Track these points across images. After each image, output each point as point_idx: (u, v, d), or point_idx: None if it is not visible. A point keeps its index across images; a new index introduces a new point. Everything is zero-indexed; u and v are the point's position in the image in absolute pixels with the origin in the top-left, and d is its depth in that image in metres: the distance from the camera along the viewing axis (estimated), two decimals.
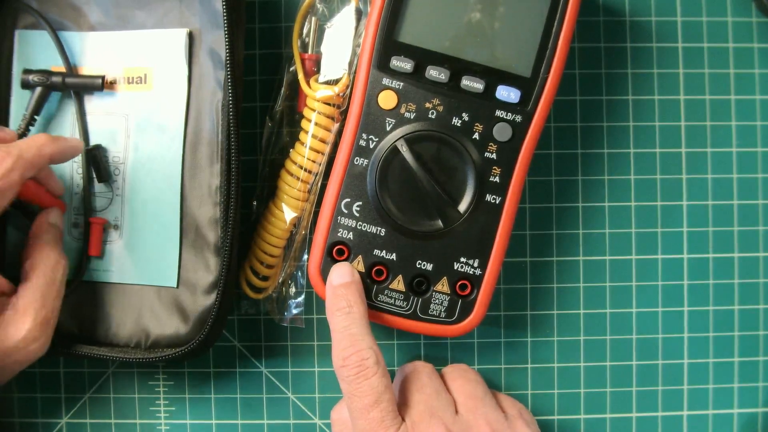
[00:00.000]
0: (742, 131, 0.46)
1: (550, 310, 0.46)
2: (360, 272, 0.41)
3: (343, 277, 0.40)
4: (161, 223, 0.43)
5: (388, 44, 0.40)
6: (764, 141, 0.46)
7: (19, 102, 0.44)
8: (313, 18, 0.43)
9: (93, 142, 0.44)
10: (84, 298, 0.44)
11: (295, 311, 0.45)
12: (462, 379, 0.42)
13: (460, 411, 0.39)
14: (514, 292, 0.46)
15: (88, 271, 0.44)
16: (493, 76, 0.40)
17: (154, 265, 0.43)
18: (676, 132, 0.46)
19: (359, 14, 0.42)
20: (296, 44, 0.43)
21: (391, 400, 0.37)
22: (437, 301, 0.41)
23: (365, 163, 0.40)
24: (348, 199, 0.41)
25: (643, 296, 0.46)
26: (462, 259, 0.41)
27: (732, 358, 0.46)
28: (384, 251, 0.41)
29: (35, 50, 0.44)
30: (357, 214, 0.41)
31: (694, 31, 0.46)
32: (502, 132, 0.40)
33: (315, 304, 0.46)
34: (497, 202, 0.41)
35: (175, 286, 0.43)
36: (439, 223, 0.40)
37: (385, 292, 0.41)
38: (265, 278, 0.44)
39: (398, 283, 0.41)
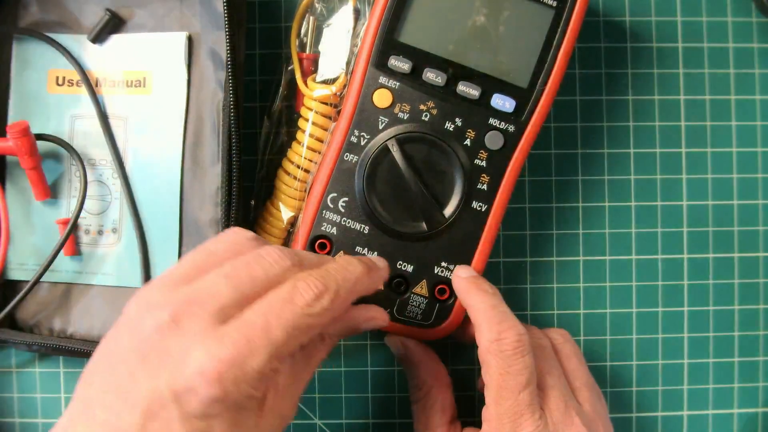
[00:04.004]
0: (742, 131, 0.46)
1: (550, 310, 0.46)
2: None
3: (472, 273, 0.40)
4: (160, 226, 0.44)
5: (388, 43, 0.40)
6: (764, 141, 0.46)
7: (18, 105, 0.44)
8: (311, 18, 0.43)
9: (92, 144, 0.44)
10: (83, 300, 0.44)
11: None
12: (576, 358, 0.41)
13: (579, 400, 0.39)
14: (514, 292, 0.46)
15: (86, 274, 0.44)
16: (490, 84, 0.40)
17: (153, 269, 0.43)
18: (676, 132, 0.46)
19: (357, 14, 0.42)
20: (294, 44, 0.43)
21: (535, 383, 0.37)
22: (414, 303, 0.41)
23: (355, 159, 0.40)
24: (334, 194, 0.41)
25: (643, 296, 0.46)
26: (443, 264, 0.41)
27: (732, 358, 0.46)
28: (366, 249, 0.41)
29: (34, 54, 0.44)
30: (342, 210, 0.41)
31: (694, 31, 0.46)
32: (494, 140, 0.40)
33: None
34: (483, 210, 0.40)
35: None
36: (424, 225, 0.40)
37: None
38: None
39: None
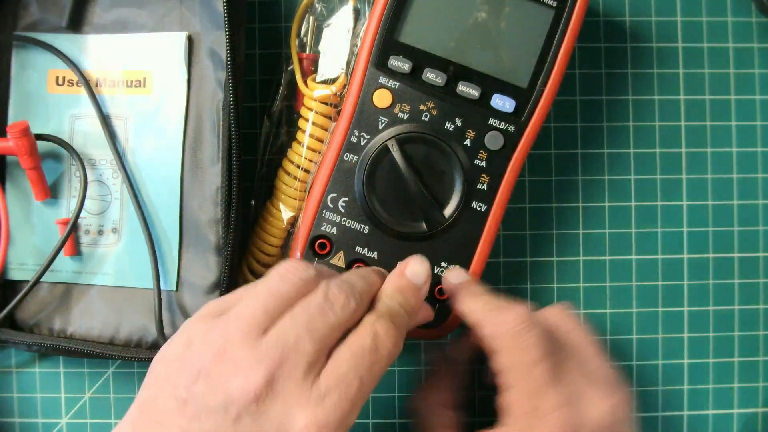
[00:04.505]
0: (742, 131, 0.46)
1: None
2: (341, 268, 0.41)
3: (461, 278, 0.39)
4: (160, 226, 0.43)
5: (388, 43, 0.40)
6: (764, 141, 0.46)
7: (18, 105, 0.44)
8: (311, 17, 0.43)
9: (92, 144, 0.44)
10: (83, 300, 0.44)
11: None
12: (591, 347, 0.39)
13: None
14: (514, 293, 0.46)
15: (86, 274, 0.44)
16: (490, 84, 0.40)
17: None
18: (676, 132, 0.46)
19: (357, 14, 0.42)
20: (294, 44, 0.43)
21: (550, 356, 0.36)
22: None
23: (355, 159, 0.40)
24: (334, 194, 0.41)
25: (643, 296, 0.46)
26: (443, 264, 0.41)
27: (732, 358, 0.46)
28: (366, 249, 0.41)
29: (34, 54, 0.44)
30: (342, 210, 0.41)
31: (694, 31, 0.46)
32: (493, 140, 0.40)
33: None
34: (483, 210, 0.40)
35: (175, 289, 0.43)
36: (423, 225, 0.40)
37: None
38: None
39: None
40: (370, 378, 0.32)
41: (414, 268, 0.37)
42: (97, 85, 0.44)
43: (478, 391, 0.46)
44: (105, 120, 0.43)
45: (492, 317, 0.37)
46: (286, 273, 0.34)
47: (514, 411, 0.35)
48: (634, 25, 0.46)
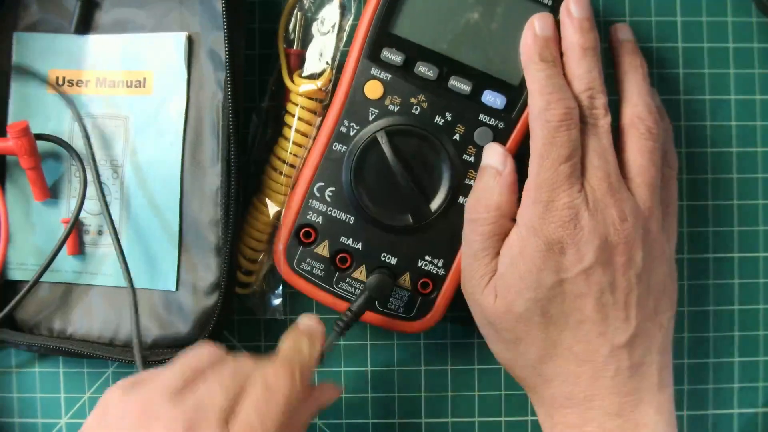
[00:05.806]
0: (742, 131, 0.46)
1: None
2: (324, 257, 0.41)
3: (544, 28, 0.39)
4: (160, 226, 0.43)
5: (382, 35, 0.40)
6: (764, 141, 0.46)
7: (18, 105, 0.44)
8: (299, 13, 0.43)
9: (91, 144, 0.44)
10: (83, 300, 0.44)
11: (275, 302, 0.45)
12: (648, 154, 0.38)
13: (631, 178, 0.38)
14: None
15: (86, 274, 0.44)
16: (481, 80, 0.40)
17: (153, 270, 0.43)
18: (677, 132, 0.46)
19: (343, 9, 0.43)
20: (281, 40, 0.43)
21: (579, 161, 0.37)
22: (397, 295, 0.41)
23: (343, 149, 0.40)
24: (321, 183, 0.41)
25: None
26: (427, 258, 0.41)
27: (732, 358, 0.46)
28: (350, 239, 0.41)
29: (33, 53, 0.44)
30: (328, 199, 0.41)
31: (694, 31, 0.46)
32: (483, 136, 0.40)
33: (316, 304, 0.46)
34: None
35: (174, 289, 0.43)
36: (409, 218, 0.40)
37: (347, 280, 0.41)
38: (249, 273, 0.44)
39: (360, 273, 0.41)
40: (271, 416, 0.33)
41: (304, 322, 0.39)
42: (97, 85, 0.44)
43: (479, 392, 0.46)
44: (82, 122, 0.44)
45: (543, 97, 0.37)
46: (200, 349, 0.37)
47: (531, 197, 0.37)
48: (634, 25, 0.45)
